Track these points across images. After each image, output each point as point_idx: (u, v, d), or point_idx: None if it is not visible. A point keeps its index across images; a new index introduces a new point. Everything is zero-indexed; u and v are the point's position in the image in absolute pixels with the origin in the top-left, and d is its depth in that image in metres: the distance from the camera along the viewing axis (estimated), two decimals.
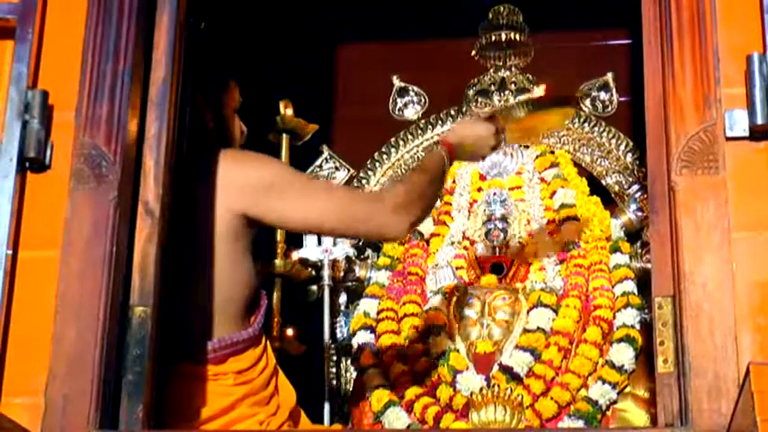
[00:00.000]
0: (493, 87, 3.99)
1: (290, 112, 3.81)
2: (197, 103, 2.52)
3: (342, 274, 3.77)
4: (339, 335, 3.73)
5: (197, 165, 2.42)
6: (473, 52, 4.01)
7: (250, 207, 2.36)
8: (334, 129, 4.21)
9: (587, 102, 3.95)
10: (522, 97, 3.22)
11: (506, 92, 3.97)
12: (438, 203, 3.79)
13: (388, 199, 2.40)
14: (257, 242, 2.49)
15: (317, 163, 4.04)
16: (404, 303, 3.52)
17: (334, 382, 3.72)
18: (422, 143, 4.00)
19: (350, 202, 2.40)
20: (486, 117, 2.71)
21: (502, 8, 3.98)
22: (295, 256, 3.74)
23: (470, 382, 3.26)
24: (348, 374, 3.73)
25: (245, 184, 2.36)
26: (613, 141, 3.91)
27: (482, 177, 3.76)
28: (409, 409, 3.29)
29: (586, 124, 3.94)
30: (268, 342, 2.50)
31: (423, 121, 4.02)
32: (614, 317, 3.39)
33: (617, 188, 3.87)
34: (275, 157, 3.52)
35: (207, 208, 2.35)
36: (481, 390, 3.22)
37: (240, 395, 2.34)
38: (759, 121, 2.02)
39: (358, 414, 3.43)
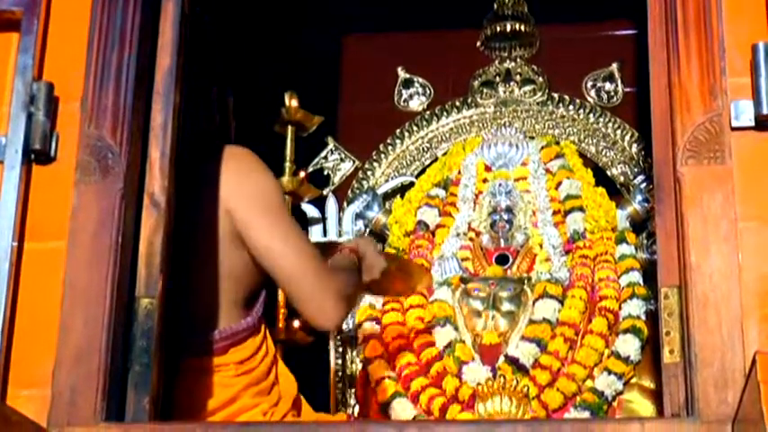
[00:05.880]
0: (498, 78, 3.99)
1: (295, 103, 3.81)
2: (210, 96, 2.52)
3: None
4: (345, 326, 3.73)
5: (201, 158, 2.42)
6: (478, 43, 4.01)
7: (235, 210, 2.34)
8: (340, 120, 4.20)
9: (593, 92, 3.95)
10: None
11: (511, 83, 3.96)
12: (444, 194, 3.78)
13: (333, 287, 2.33)
14: None
15: (323, 154, 4.04)
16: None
17: (340, 372, 3.72)
18: (426, 134, 4.00)
19: (313, 269, 2.30)
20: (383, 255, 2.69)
21: None
22: None
23: (476, 373, 3.26)
24: (354, 365, 3.73)
25: (238, 186, 2.34)
26: (619, 132, 3.91)
27: (487, 168, 3.76)
28: (415, 400, 3.29)
29: (591, 115, 3.94)
30: (267, 330, 2.50)
31: (428, 113, 4.02)
32: (620, 308, 3.39)
33: (622, 179, 3.86)
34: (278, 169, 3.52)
35: (208, 201, 2.35)
36: (487, 381, 3.22)
37: (242, 386, 2.34)
38: (765, 110, 2.01)
39: (364, 405, 3.44)
